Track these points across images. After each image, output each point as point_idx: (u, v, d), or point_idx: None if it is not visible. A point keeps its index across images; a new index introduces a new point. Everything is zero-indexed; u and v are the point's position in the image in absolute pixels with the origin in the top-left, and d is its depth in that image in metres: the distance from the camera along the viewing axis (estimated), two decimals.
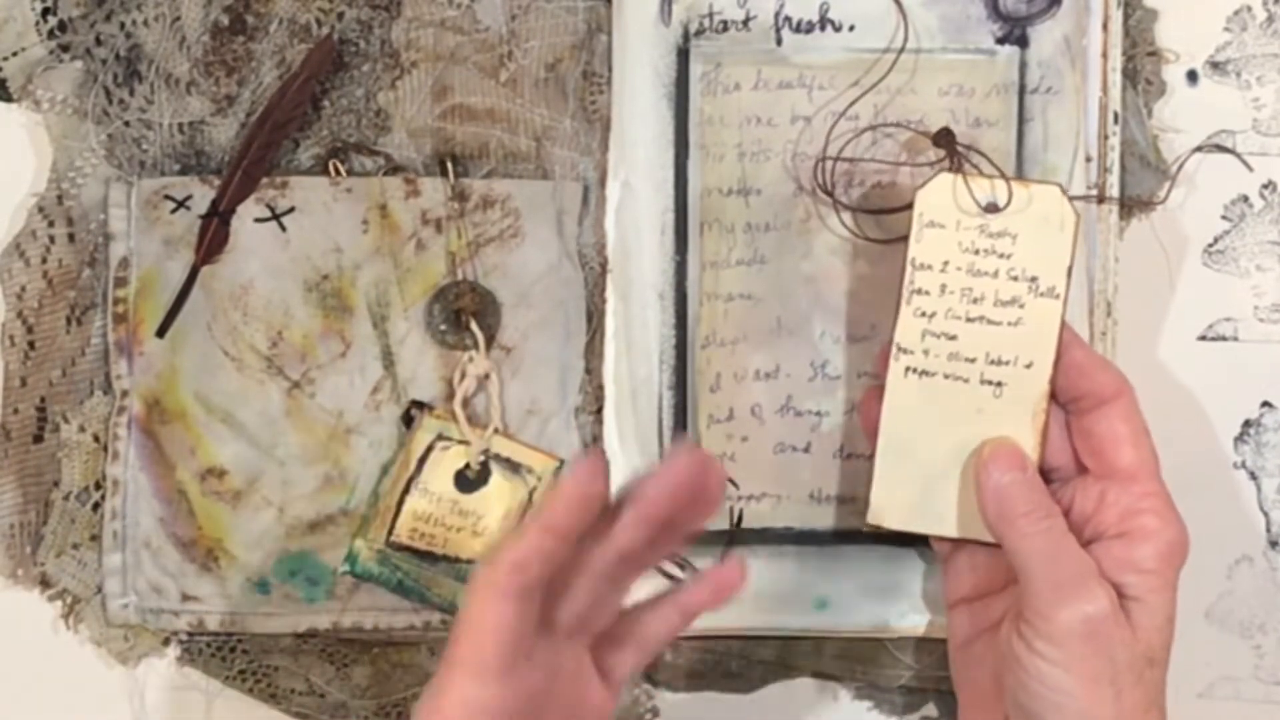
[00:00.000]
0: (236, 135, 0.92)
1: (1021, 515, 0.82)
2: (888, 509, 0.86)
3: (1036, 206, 0.85)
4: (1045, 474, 0.85)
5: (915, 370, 0.85)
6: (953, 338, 0.85)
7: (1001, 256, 0.85)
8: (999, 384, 0.85)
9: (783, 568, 0.92)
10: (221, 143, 0.92)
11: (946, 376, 0.85)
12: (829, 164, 0.90)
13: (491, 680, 0.76)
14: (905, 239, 0.85)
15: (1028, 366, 0.85)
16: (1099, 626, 0.80)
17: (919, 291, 0.85)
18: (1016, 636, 0.82)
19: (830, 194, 0.90)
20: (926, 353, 0.85)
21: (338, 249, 0.92)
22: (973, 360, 0.85)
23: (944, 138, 0.87)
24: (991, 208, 0.85)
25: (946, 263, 0.85)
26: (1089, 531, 0.84)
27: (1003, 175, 0.86)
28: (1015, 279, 0.85)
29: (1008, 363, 0.85)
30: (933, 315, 0.85)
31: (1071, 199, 0.85)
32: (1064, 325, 0.84)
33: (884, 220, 0.90)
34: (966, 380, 0.85)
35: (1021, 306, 0.85)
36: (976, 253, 0.85)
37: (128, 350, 0.92)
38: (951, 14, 0.90)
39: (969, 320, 0.85)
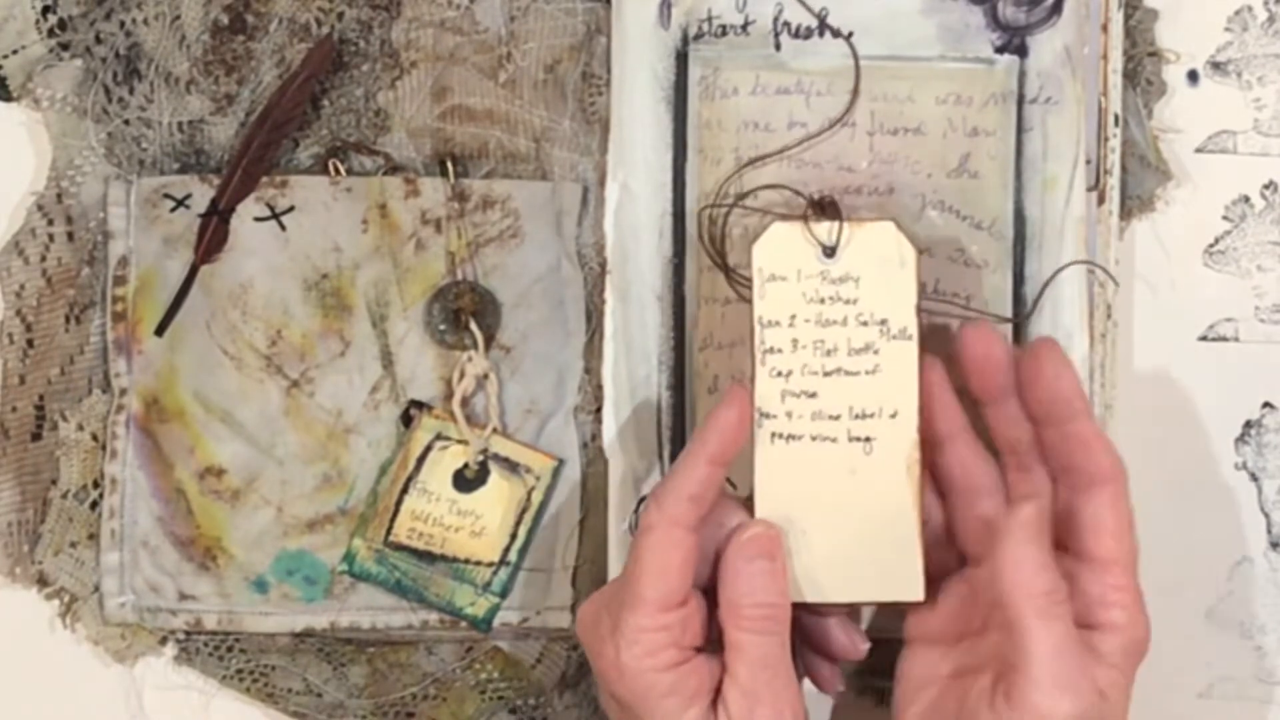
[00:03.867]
0: (236, 134, 0.92)
1: (1043, 594, 0.78)
2: None
3: (874, 246, 0.84)
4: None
5: (781, 435, 0.84)
6: (813, 395, 0.83)
7: (848, 303, 0.83)
8: (867, 439, 0.83)
9: None
10: (221, 142, 0.92)
11: (814, 438, 0.84)
12: (713, 212, 0.90)
13: (675, 610, 0.80)
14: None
15: (893, 416, 0.83)
16: None
17: (771, 350, 0.83)
18: (989, 711, 0.79)
19: (716, 249, 0.90)
20: (789, 415, 0.84)
21: (337, 248, 0.92)
22: (837, 417, 0.83)
23: (829, 207, 0.85)
24: (830, 252, 0.83)
25: (794, 316, 0.83)
26: None
27: (837, 217, 0.84)
28: (865, 324, 0.83)
29: (872, 415, 0.83)
30: (789, 374, 0.83)
31: (907, 234, 0.83)
32: (1076, 395, 0.81)
33: None
34: (834, 440, 0.84)
35: (876, 353, 0.83)
36: (822, 301, 0.83)
37: (126, 349, 0.92)
38: (950, 22, 0.90)
39: (826, 374, 0.83)
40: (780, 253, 0.84)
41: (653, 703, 0.80)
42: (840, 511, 0.84)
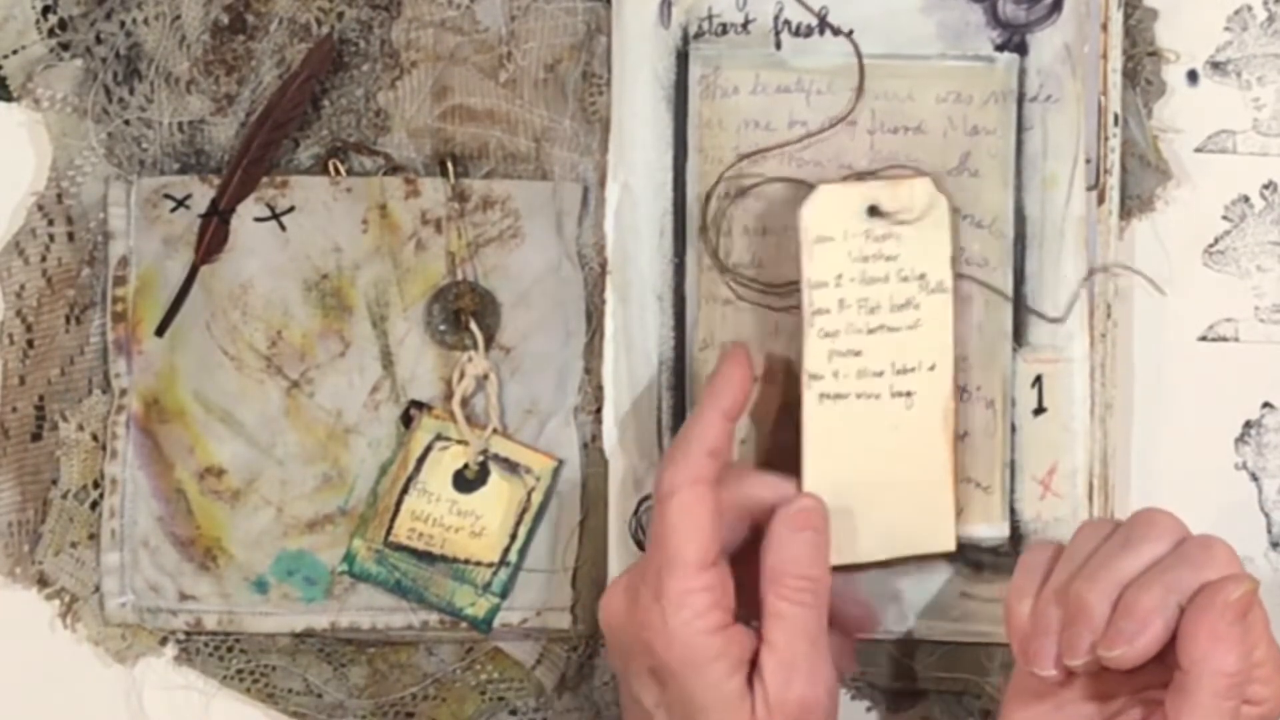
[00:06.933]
0: (236, 134, 0.92)
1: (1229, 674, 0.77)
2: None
3: (913, 202, 0.85)
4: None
5: (829, 395, 0.84)
6: (858, 353, 0.84)
7: (889, 259, 0.84)
8: (908, 394, 0.85)
9: None
10: (221, 142, 0.92)
11: (859, 396, 0.84)
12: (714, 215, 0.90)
13: (712, 567, 0.80)
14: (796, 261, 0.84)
15: (931, 369, 0.85)
16: None
17: (819, 312, 0.84)
18: None
19: (714, 249, 0.90)
20: (836, 374, 0.84)
21: (337, 249, 0.92)
22: (880, 374, 0.84)
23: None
24: (874, 211, 0.84)
25: (840, 276, 0.84)
26: None
27: (877, 176, 0.85)
28: (906, 280, 0.84)
29: (913, 369, 0.84)
30: (836, 334, 0.84)
31: (942, 189, 0.85)
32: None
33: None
34: (877, 396, 0.85)
35: (916, 307, 0.85)
36: (866, 260, 0.84)
37: (126, 349, 0.92)
38: (950, 20, 0.90)
39: (870, 332, 0.84)
40: (827, 214, 0.85)
41: (702, 666, 0.80)
42: (883, 469, 0.85)
